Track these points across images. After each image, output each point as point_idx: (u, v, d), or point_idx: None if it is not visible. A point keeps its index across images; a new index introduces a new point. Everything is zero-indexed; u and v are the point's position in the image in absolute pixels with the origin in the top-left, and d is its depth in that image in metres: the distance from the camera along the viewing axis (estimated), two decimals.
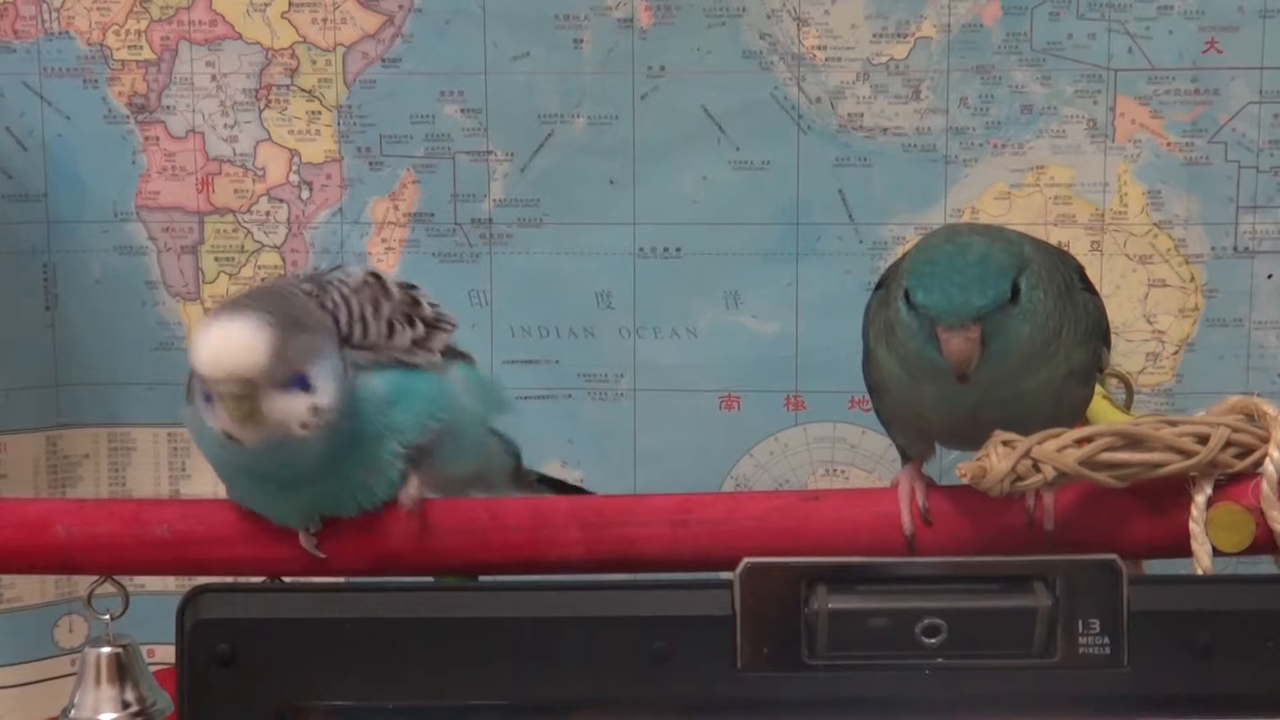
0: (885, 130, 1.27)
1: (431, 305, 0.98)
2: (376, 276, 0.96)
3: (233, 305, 0.88)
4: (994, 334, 0.86)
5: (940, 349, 0.86)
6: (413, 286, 0.98)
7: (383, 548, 0.93)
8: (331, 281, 0.94)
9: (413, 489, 0.93)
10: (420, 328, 0.96)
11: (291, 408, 0.86)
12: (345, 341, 0.91)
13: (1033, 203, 1.27)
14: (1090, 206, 1.27)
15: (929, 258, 0.88)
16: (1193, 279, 1.27)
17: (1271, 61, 1.24)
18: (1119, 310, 1.27)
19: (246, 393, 0.85)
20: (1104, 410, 1.07)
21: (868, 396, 1.00)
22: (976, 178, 1.28)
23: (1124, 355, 1.27)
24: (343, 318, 0.92)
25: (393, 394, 0.92)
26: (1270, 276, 1.27)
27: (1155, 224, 1.27)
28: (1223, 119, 1.26)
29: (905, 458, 0.98)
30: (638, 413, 1.32)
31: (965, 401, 0.89)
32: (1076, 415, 0.94)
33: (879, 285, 0.97)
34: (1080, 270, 0.96)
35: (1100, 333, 0.95)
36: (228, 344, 0.85)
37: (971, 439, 0.91)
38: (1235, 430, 0.85)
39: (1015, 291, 0.87)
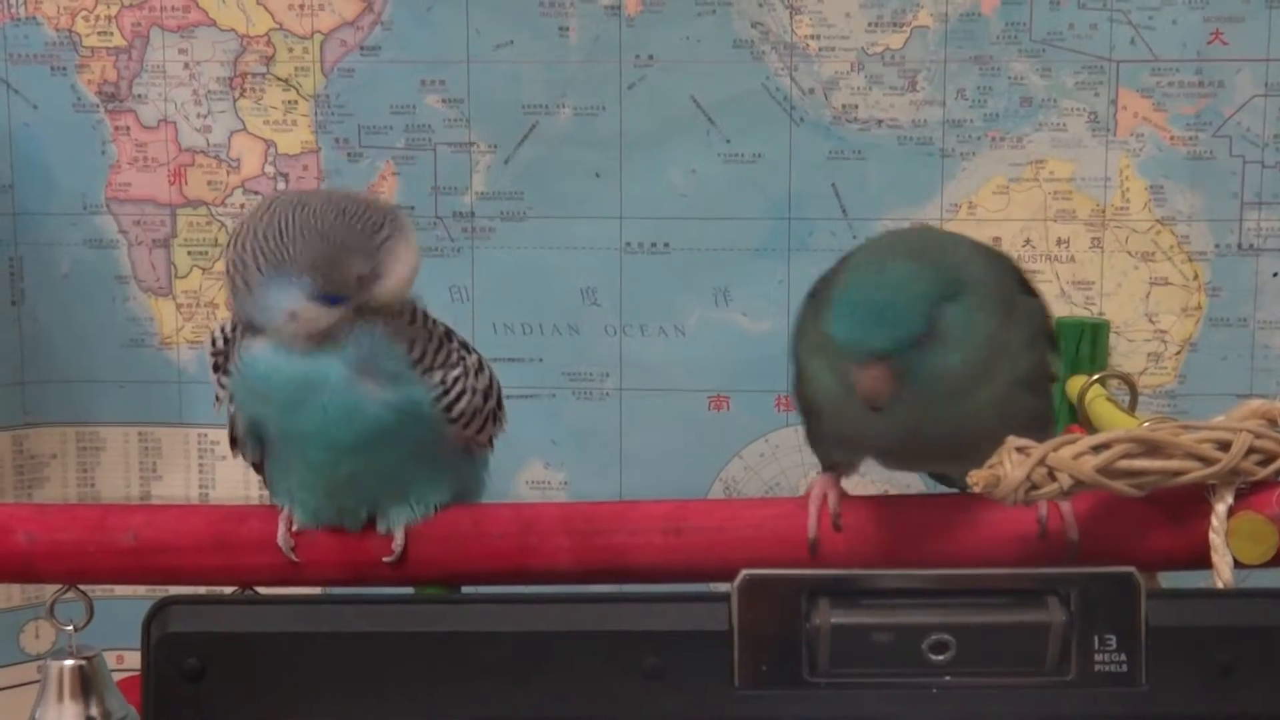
0: (880, 122, 1.26)
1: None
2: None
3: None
4: (912, 368, 0.83)
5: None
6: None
7: (360, 556, 0.92)
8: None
9: (399, 541, 0.92)
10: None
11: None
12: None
13: (1032, 198, 1.26)
14: (1091, 202, 1.26)
15: (849, 282, 0.84)
16: (1196, 277, 1.26)
17: (1278, 53, 1.23)
18: (1120, 309, 1.25)
19: None
20: (1110, 414, 1.04)
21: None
22: (974, 172, 1.26)
23: (1125, 356, 1.25)
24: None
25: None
26: (1276, 274, 1.26)
27: (1157, 220, 1.25)
28: (1227, 112, 1.24)
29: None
30: (624, 413, 1.30)
31: (903, 422, 0.86)
32: (1037, 425, 0.90)
33: (811, 295, 0.93)
34: (1019, 272, 0.93)
35: (1044, 336, 0.92)
36: None
37: (917, 458, 0.90)
38: (1258, 436, 0.82)
39: (936, 323, 0.83)
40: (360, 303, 0.88)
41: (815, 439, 0.95)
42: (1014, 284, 0.90)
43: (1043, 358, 0.90)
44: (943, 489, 1.05)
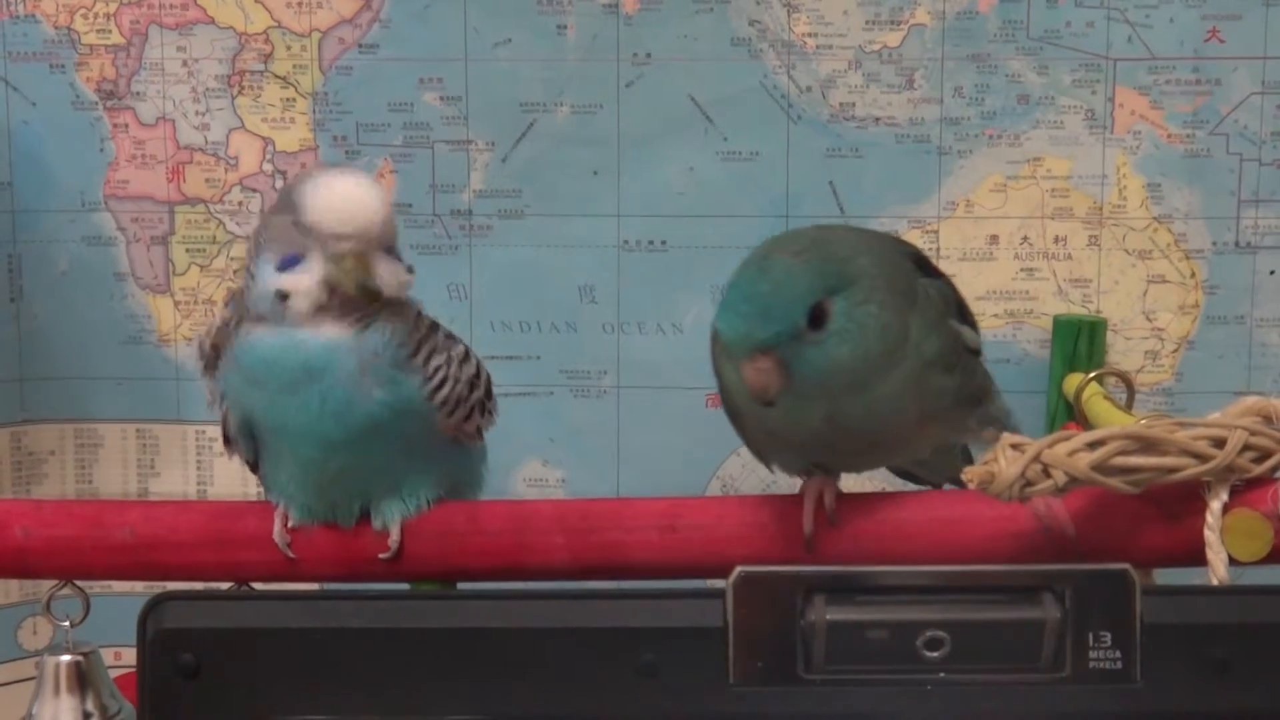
0: (878, 120, 1.25)
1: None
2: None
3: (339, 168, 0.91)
4: (797, 361, 0.83)
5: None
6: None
7: (356, 552, 0.92)
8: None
9: (395, 537, 0.92)
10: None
11: (394, 270, 0.90)
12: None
13: (1029, 195, 1.25)
14: (1088, 199, 1.25)
15: (736, 278, 0.85)
16: (1193, 275, 1.26)
17: (1275, 51, 1.23)
18: (1117, 307, 1.25)
19: (365, 251, 0.87)
20: (1106, 412, 1.05)
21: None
22: (971, 169, 1.26)
23: (1122, 354, 1.25)
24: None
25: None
26: (1273, 272, 1.25)
27: (1155, 218, 1.25)
28: (1224, 110, 1.24)
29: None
30: (621, 411, 1.30)
31: (812, 415, 0.86)
32: (964, 401, 0.91)
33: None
34: (917, 256, 0.93)
35: (952, 312, 0.91)
36: (357, 197, 0.88)
37: (852, 455, 0.90)
38: (1253, 433, 0.82)
39: (819, 317, 0.83)
40: (325, 252, 0.88)
41: (752, 449, 0.95)
42: (910, 269, 0.90)
43: (953, 335, 0.90)
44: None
